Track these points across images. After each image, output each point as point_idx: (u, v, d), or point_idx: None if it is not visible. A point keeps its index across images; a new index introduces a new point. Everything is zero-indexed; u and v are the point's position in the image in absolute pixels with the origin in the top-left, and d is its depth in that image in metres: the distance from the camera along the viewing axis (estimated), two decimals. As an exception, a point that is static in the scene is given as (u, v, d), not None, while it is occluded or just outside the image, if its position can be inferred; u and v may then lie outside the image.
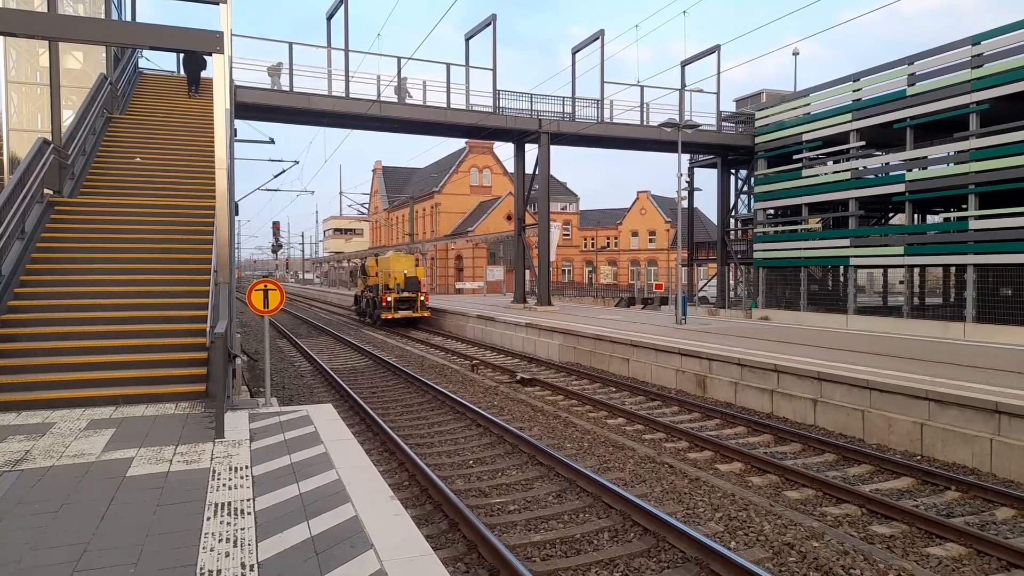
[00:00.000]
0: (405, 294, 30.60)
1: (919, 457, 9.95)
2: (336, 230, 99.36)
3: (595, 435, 11.09)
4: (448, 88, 28.58)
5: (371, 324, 33.35)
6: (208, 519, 5.43)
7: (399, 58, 27.27)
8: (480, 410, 12.34)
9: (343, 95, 26.55)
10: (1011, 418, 9.12)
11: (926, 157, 24.55)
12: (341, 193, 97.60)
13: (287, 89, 26.06)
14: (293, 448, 7.53)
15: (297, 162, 31.93)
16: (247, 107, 25.15)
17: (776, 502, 7.95)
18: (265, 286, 9.90)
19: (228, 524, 5.34)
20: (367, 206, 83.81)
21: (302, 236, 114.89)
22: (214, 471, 6.65)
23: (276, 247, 46.92)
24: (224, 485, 6.25)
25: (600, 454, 9.98)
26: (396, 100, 27.64)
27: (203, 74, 20.99)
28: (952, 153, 23.57)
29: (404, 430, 11.49)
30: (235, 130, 17.64)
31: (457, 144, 68.35)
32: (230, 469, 6.73)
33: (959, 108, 22.62)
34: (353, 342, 24.81)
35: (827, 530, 6.92)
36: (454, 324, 30.19)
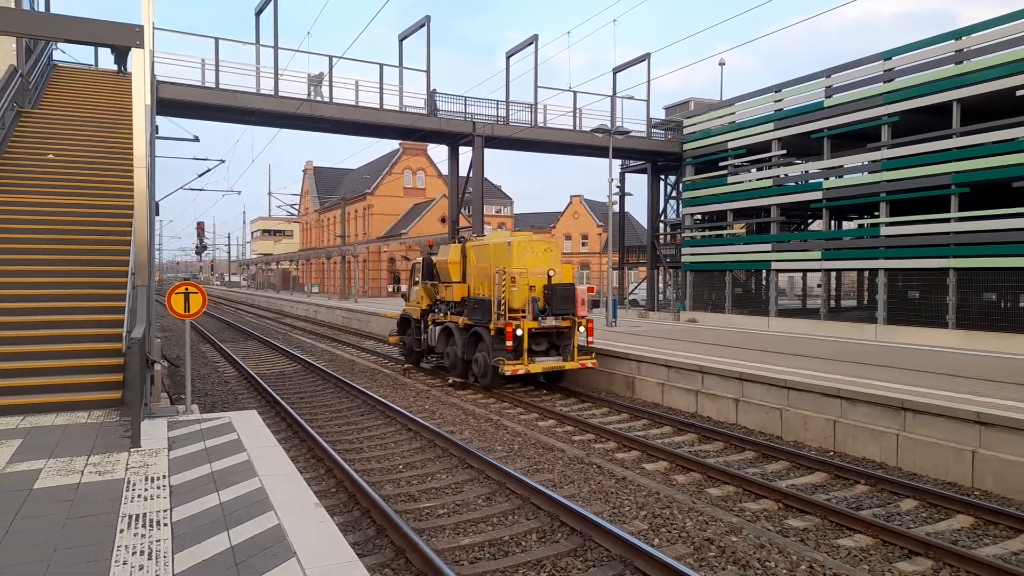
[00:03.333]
0: (550, 321, 14.75)
1: (832, 453, 10.42)
2: (264, 231, 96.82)
3: (526, 437, 11.17)
4: (381, 89, 28.30)
5: (456, 379, 16.30)
6: (121, 532, 5.23)
7: (330, 57, 26.87)
8: (411, 414, 12.26)
9: (272, 93, 25.95)
10: (915, 414, 9.66)
11: (842, 166, 25.74)
12: (270, 193, 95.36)
13: (213, 86, 25.28)
14: (214, 456, 7.31)
15: (223, 161, 30.88)
16: (171, 103, 24.28)
17: (699, 499, 8.19)
18: (186, 289, 9.59)
19: (143, 536, 5.16)
20: (297, 207, 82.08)
21: (228, 237, 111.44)
22: (129, 481, 6.40)
23: (200, 248, 45.38)
24: (139, 496, 6.03)
25: (530, 456, 10.06)
26: (327, 99, 27.19)
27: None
28: (866, 163, 24.77)
29: (332, 436, 11.31)
30: (157, 127, 17.01)
31: (391, 145, 67.74)
32: (146, 479, 6.49)
33: (872, 120, 23.80)
34: (281, 346, 24.23)
35: (745, 525, 7.18)
36: (387, 327, 29.81)
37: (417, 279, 18.81)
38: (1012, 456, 8.50)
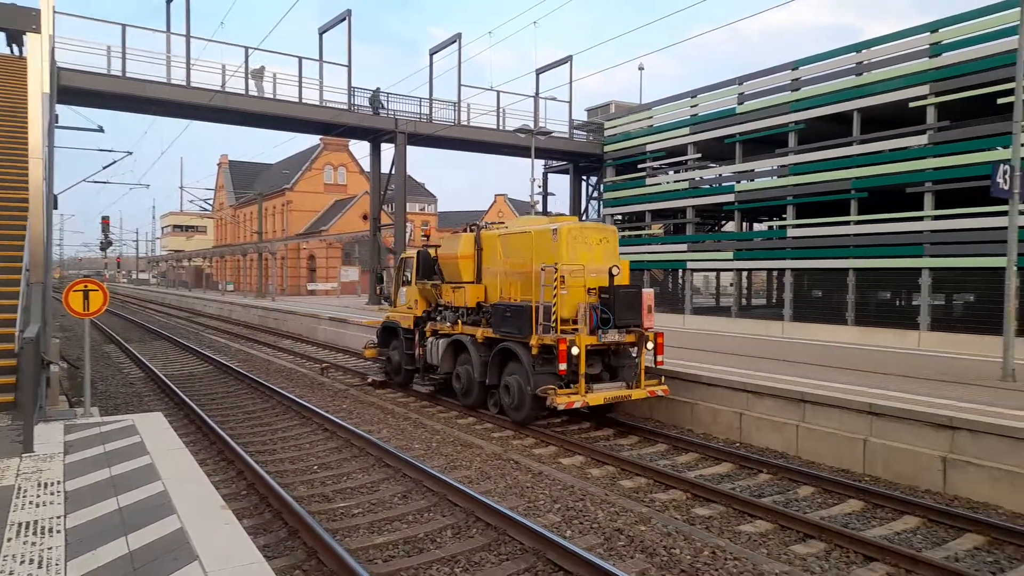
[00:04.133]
0: (612, 335, 11.20)
1: (738, 444, 10.88)
2: (176, 227, 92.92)
3: (445, 435, 11.18)
4: (300, 82, 27.69)
5: (465, 408, 13.06)
6: (10, 540, 4.96)
7: (246, 48, 26.08)
8: (327, 414, 12.06)
9: (183, 83, 24.97)
10: (814, 406, 10.20)
11: (753, 170, 26.84)
12: (181, 188, 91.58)
13: (119, 74, 24.12)
14: (114, 460, 7.01)
15: (130, 153, 29.48)
16: (73, 91, 23.02)
17: (611, 491, 8.40)
18: (85, 286, 9.13)
19: (33, 544, 4.91)
20: (211, 202, 79.07)
21: (136, 233, 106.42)
22: (19, 488, 6.07)
23: (105, 244, 43.13)
24: (31, 503, 5.72)
25: (448, 453, 10.08)
26: (242, 91, 26.37)
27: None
28: (775, 167, 25.91)
29: (244, 437, 11.00)
30: (56, 116, 16.10)
31: (311, 140, 66.19)
32: (39, 485, 6.16)
33: (781, 127, 24.92)
34: (192, 346, 23.35)
35: (655, 515, 7.42)
36: (305, 326, 29.21)
37: (408, 277, 15.07)
38: (898, 443, 9.10)
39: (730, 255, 27.08)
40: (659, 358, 11.63)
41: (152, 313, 46.34)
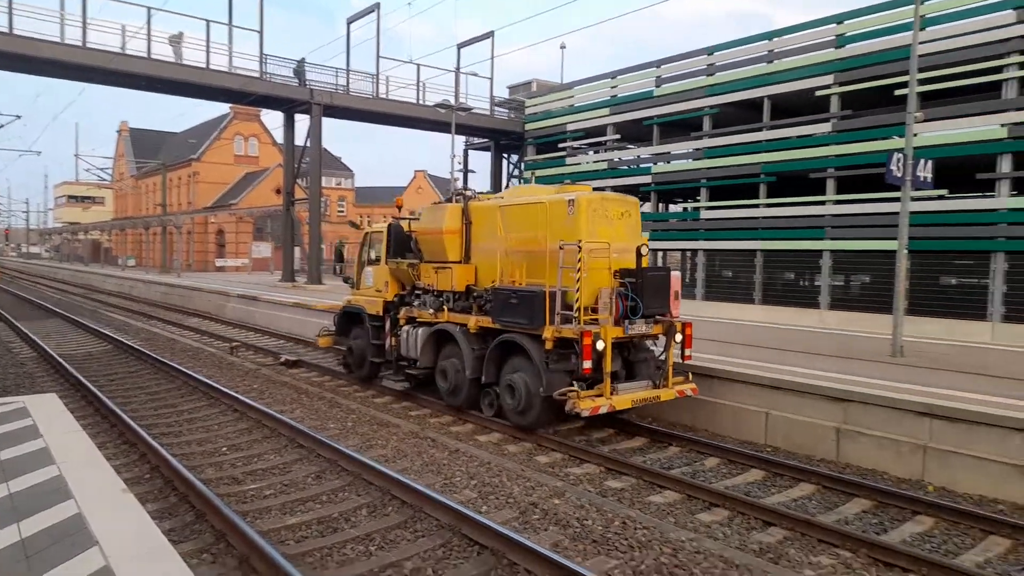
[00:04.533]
0: (640, 327, 9.74)
1: (651, 419, 11.21)
2: (71, 197, 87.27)
3: (361, 414, 11.03)
4: (208, 47, 26.37)
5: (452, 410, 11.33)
6: None
7: (149, 8, 24.57)
8: (237, 394, 11.67)
9: (79, 44, 23.33)
10: (721, 381, 10.63)
11: (669, 153, 27.50)
12: (77, 155, 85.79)
13: (6, 30, 22.31)
14: (4, 444, 6.57)
15: (19, 117, 27.42)
16: (-51, 46, 21.13)
17: (527, 467, 8.52)
18: (-33, 258, 8.41)
19: (-94, 537, 4.54)
20: (110, 171, 74.64)
21: (27, 204, 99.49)
22: None
23: (-8, 214, 40.05)
24: (-97, 492, 5.29)
25: (364, 432, 9.96)
26: (144, 54, 24.89)
27: None
28: (691, 150, 26.63)
29: (147, 419, 10.52)
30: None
31: (219, 109, 63.34)
32: (-87, 473, 5.70)
33: (696, 111, 25.59)
34: (90, 324, 22.10)
35: (569, 488, 7.58)
36: (213, 304, 28.12)
37: (376, 255, 13.16)
38: (796, 416, 9.61)
39: (647, 235, 27.72)
40: (687, 352, 10.13)
41: (45, 289, 43.53)
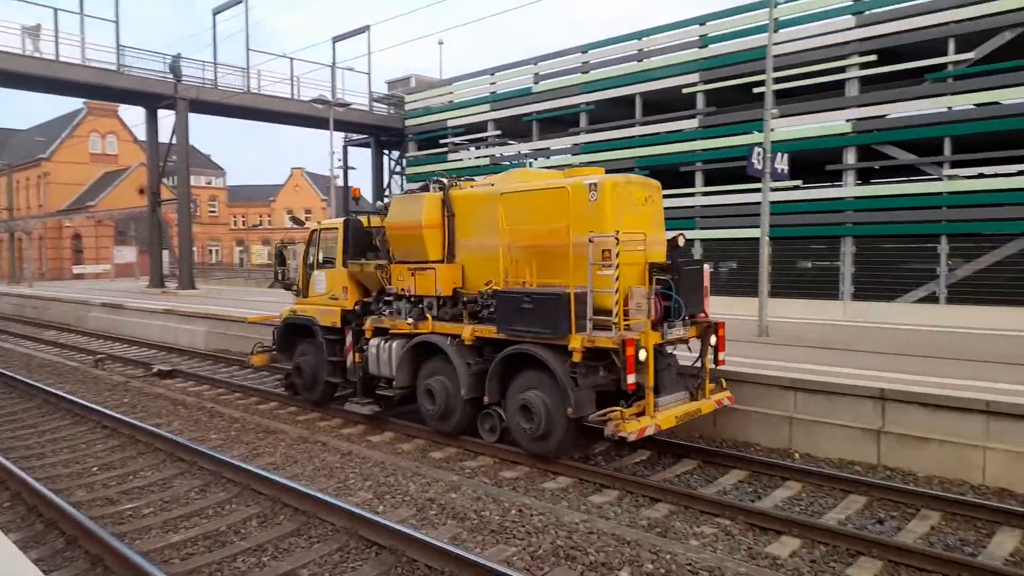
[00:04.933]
0: (678, 331, 8.51)
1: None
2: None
3: (245, 422, 10.59)
4: (56, 37, 24.31)
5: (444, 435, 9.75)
6: None
7: (-17, -8, 22.30)
8: (106, 410, 10.89)
9: (-102, 30, 20.89)
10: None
11: (548, 148, 28.08)
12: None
13: None
14: None
15: None
16: None
17: (422, 464, 8.51)
18: None
19: None
20: (-55, 173, 67.42)
21: None
22: None
23: None
24: None
25: (249, 441, 9.58)
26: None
27: None
28: (569, 146, 27.31)
29: (3, 443, 9.64)
30: None
31: (71, 104, 58.50)
32: None
33: (573, 107, 26.28)
34: (-72, 342, 19.87)
35: (465, 482, 7.64)
36: (72, 314, 26.02)
37: (328, 257, 11.47)
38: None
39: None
40: (720, 356, 8.98)
41: None
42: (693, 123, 22.94)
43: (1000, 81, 17.77)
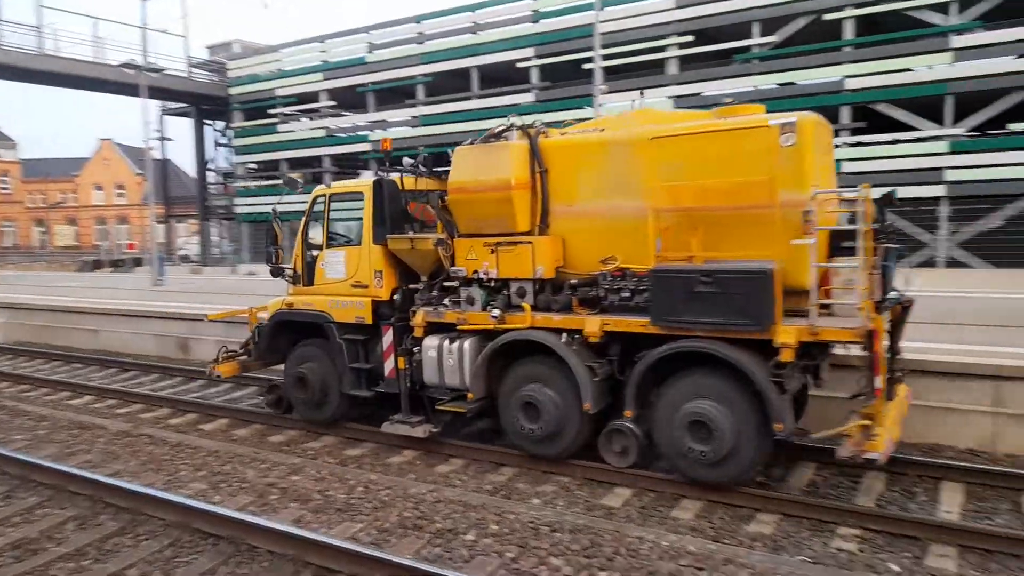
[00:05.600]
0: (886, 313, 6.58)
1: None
2: None
3: (55, 420, 9.60)
4: None
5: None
6: None
7: None
8: None
9: None
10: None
11: (386, 120, 27.56)
12: None
13: None
14: None
15: None
16: None
17: (261, 449, 8.18)
18: None
19: None
20: None
21: None
22: None
23: None
24: None
25: (62, 440, 8.70)
26: None
27: None
28: (409, 118, 26.97)
29: None
30: None
31: None
32: None
33: (410, 79, 25.92)
34: None
35: (308, 463, 7.46)
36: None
37: (344, 232, 9.00)
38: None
39: (367, 204, 27.60)
40: (900, 343, 7.30)
41: None
42: (530, 97, 23.45)
43: (796, 63, 19.74)
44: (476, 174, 7.55)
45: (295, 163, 30.26)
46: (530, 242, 7.28)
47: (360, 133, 28.16)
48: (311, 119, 29.27)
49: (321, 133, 28.57)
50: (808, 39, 19.58)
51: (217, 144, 34.96)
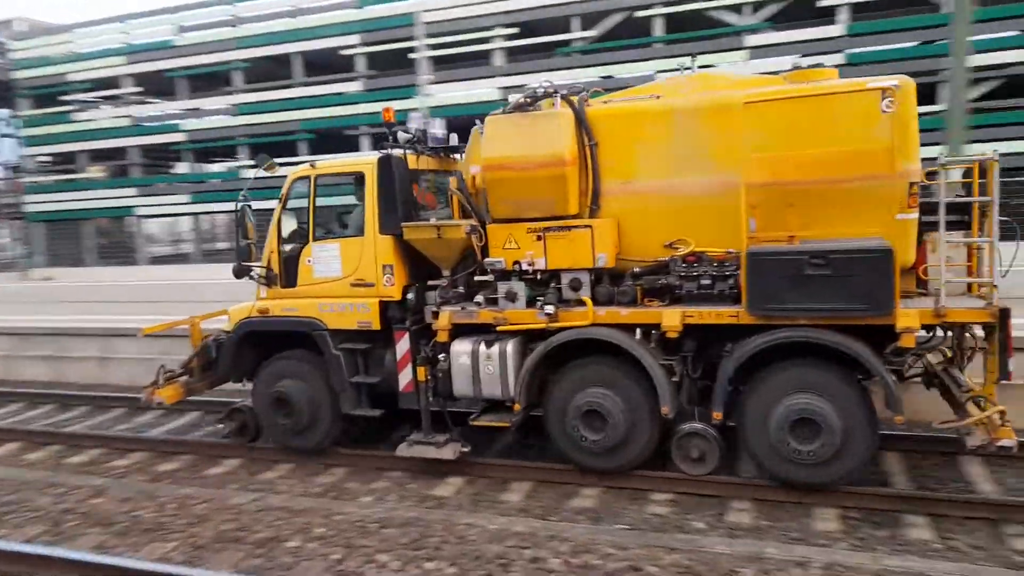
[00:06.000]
0: None
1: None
2: None
3: None
4: None
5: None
6: None
7: None
8: None
9: None
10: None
11: (200, 108, 25.70)
12: None
13: None
14: None
15: None
16: None
17: (58, 472, 7.38)
18: None
19: None
20: None
21: None
22: None
23: None
24: None
25: None
26: None
27: None
28: (227, 106, 25.28)
29: None
30: None
31: None
32: None
33: (225, 64, 24.32)
34: None
35: (113, 484, 6.80)
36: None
37: (340, 219, 7.89)
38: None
39: (187, 198, 25.74)
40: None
41: None
42: (357, 86, 22.86)
43: (614, 57, 20.78)
44: (521, 148, 6.33)
45: (96, 155, 27.38)
46: (589, 226, 6.24)
47: (171, 122, 26.03)
48: (114, 107, 26.67)
49: (126, 122, 26.07)
50: (623, 35, 20.68)
51: (1, 135, 30.96)
